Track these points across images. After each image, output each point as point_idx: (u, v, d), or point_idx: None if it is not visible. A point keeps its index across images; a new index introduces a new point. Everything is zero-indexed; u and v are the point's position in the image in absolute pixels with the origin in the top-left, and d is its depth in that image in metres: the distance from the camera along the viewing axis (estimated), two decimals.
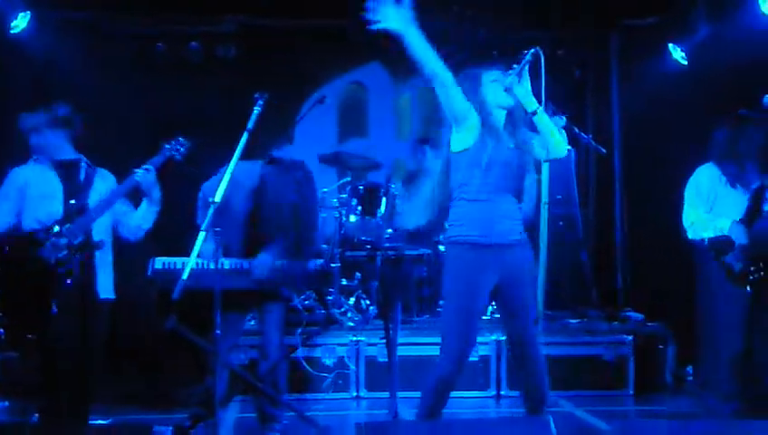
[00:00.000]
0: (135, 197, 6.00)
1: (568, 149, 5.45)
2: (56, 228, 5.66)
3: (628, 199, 9.75)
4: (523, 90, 5.22)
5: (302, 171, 6.11)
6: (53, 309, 5.59)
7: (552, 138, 5.25)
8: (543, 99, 5.28)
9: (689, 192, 6.53)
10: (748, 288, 6.16)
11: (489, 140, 5.18)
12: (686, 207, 6.52)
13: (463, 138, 5.23)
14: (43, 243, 5.62)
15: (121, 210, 5.99)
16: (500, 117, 5.29)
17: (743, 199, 6.34)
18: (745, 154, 6.35)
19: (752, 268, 6.15)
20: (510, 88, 5.20)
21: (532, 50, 5.19)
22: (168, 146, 6.05)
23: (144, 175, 5.87)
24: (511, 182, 5.25)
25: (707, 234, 6.32)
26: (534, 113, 5.20)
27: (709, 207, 6.42)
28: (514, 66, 5.19)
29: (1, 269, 5.64)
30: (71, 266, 5.65)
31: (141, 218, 6.03)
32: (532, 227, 7.97)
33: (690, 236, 6.47)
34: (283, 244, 6.04)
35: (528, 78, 5.22)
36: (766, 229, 6.17)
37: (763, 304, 6.19)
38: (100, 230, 5.87)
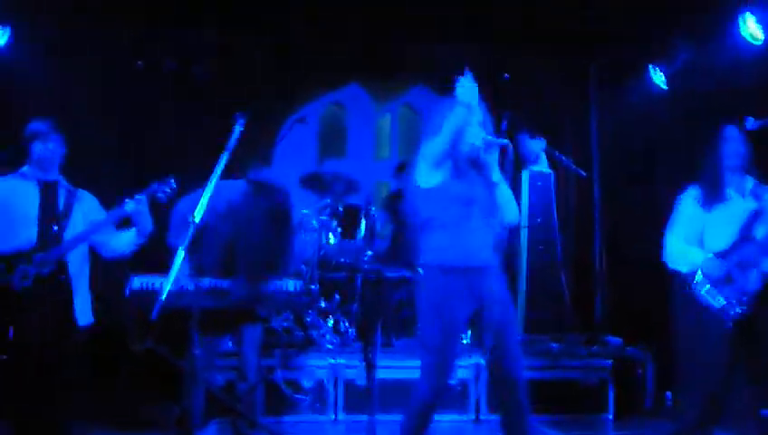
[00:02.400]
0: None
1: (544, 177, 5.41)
2: (30, 256, 5.58)
3: (608, 223, 9.75)
4: (490, 159, 5.25)
5: (280, 194, 6.06)
6: (10, 334, 5.51)
7: (506, 209, 5.32)
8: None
9: (672, 219, 6.07)
10: (730, 324, 5.63)
11: (460, 177, 5.19)
12: (666, 234, 6.05)
13: (433, 174, 5.23)
14: (14, 270, 5.55)
15: (103, 233, 5.91)
16: (465, 158, 5.29)
17: (729, 219, 5.82)
18: (727, 169, 5.86)
19: (733, 302, 5.64)
20: (476, 148, 5.24)
21: (505, 141, 5.25)
22: (155, 185, 5.83)
23: (135, 205, 5.77)
24: (482, 214, 5.24)
25: (682, 268, 5.85)
26: (494, 185, 5.27)
27: (695, 232, 5.91)
28: (486, 137, 5.23)
29: None
30: (37, 295, 5.57)
31: (124, 245, 5.94)
32: (509, 249, 7.99)
33: (670, 266, 5.99)
34: (259, 265, 5.99)
35: (496, 151, 5.25)
36: (750, 259, 5.68)
37: (745, 340, 5.68)
38: (78, 255, 5.79)
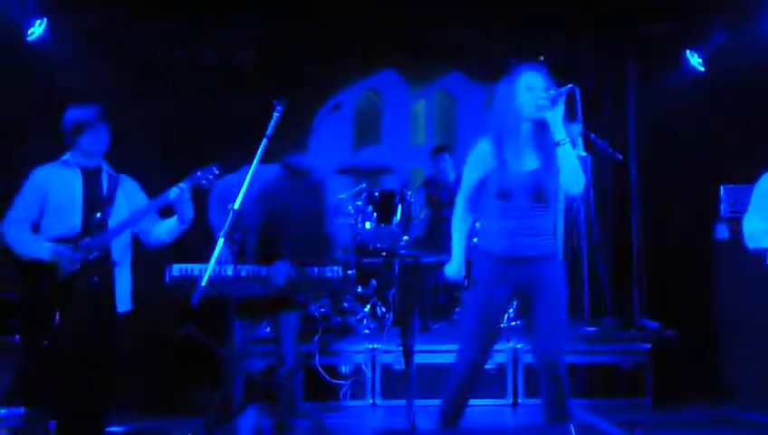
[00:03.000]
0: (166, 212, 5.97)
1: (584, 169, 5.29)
2: (76, 242, 5.64)
3: (644, 206, 9.71)
4: (554, 116, 5.02)
5: (313, 178, 6.07)
6: (56, 320, 5.56)
7: (570, 173, 5.05)
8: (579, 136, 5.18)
9: (752, 199, 6.15)
10: None
11: (507, 165, 5.13)
12: (746, 215, 6.16)
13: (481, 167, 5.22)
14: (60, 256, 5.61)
15: (146, 220, 5.96)
16: (526, 129, 5.18)
17: None
18: None
19: None
20: (542, 108, 5.09)
21: (570, 86, 5.01)
22: (199, 173, 5.85)
23: (179, 193, 5.80)
24: (534, 200, 5.17)
25: (765, 244, 5.94)
26: (559, 144, 5.02)
27: None
28: (550, 91, 5.06)
29: (17, 277, 5.64)
30: (83, 281, 5.62)
31: (165, 232, 5.99)
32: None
33: (750, 247, 6.08)
34: (297, 251, 6.01)
35: (562, 107, 5.02)
36: None
37: None
38: (121, 242, 5.84)
